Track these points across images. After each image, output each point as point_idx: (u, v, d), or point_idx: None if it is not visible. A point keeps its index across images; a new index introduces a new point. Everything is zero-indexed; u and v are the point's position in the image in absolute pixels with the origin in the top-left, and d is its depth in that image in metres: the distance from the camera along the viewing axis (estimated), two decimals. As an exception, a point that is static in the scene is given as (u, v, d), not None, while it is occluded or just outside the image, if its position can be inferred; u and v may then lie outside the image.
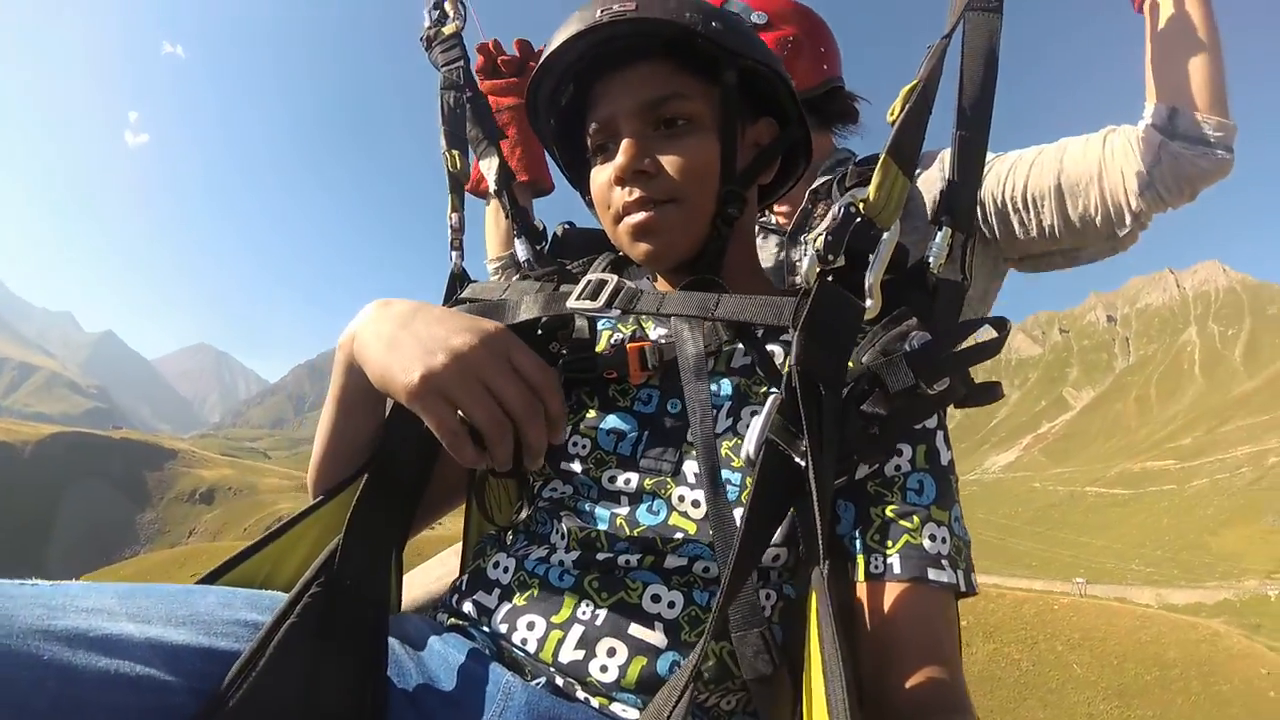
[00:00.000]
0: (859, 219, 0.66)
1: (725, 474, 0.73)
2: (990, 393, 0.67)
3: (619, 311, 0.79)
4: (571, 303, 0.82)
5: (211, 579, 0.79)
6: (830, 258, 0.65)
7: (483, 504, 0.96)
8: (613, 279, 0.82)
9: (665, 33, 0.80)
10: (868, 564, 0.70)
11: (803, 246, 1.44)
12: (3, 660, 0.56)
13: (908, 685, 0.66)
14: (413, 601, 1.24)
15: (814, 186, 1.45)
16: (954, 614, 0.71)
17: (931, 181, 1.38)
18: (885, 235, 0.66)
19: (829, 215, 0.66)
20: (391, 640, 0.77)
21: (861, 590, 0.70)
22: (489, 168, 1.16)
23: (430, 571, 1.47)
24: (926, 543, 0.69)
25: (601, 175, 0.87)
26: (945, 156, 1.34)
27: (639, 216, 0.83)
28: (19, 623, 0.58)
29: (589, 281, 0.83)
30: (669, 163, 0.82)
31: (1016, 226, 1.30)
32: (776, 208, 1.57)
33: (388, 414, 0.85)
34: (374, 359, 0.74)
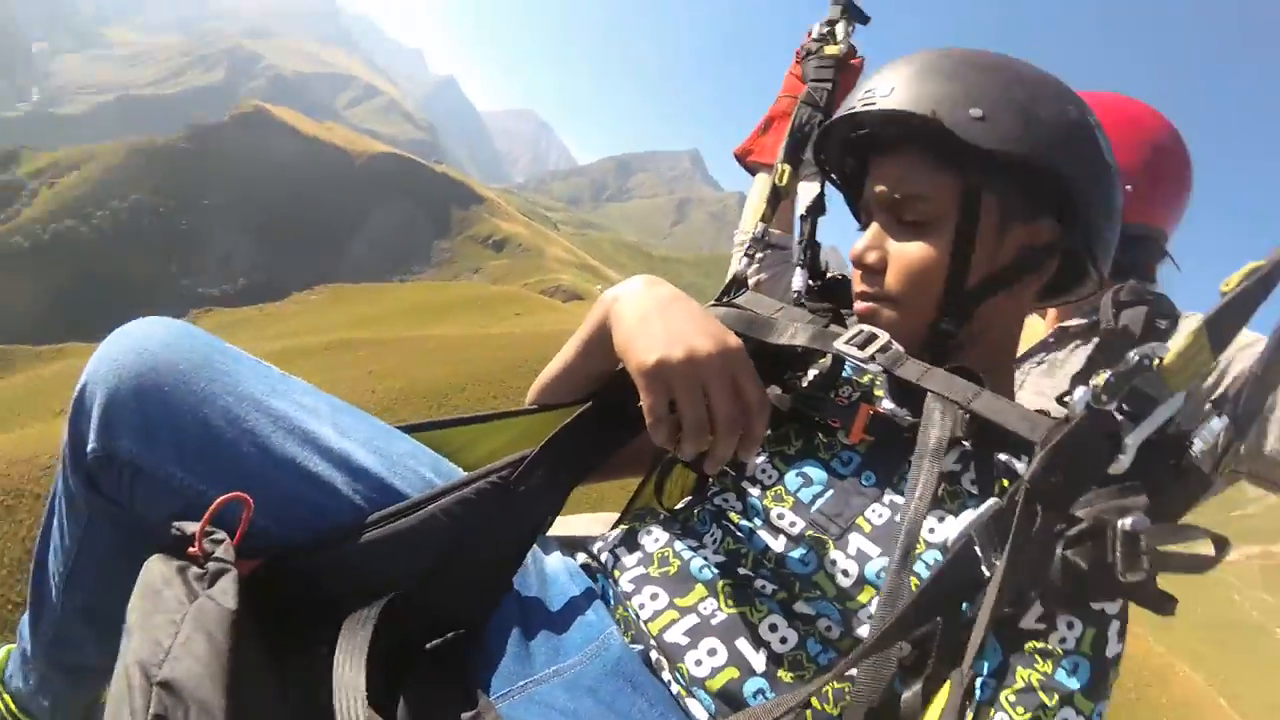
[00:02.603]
0: (1149, 374, 0.63)
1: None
2: (1164, 605, 0.62)
3: (880, 368, 0.78)
4: (839, 345, 0.81)
5: (412, 430, 0.86)
6: (1104, 399, 0.62)
7: (661, 483, 1.00)
8: (884, 336, 0.81)
9: (912, 123, 0.78)
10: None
11: (1029, 368, 1.42)
12: (220, 414, 0.68)
13: None
14: (563, 534, 1.28)
15: (1067, 325, 1.43)
16: None
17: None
18: (1170, 400, 0.63)
19: (1123, 360, 0.63)
20: (530, 554, 0.83)
21: None
22: (807, 192, 1.15)
23: (592, 522, 1.48)
24: None
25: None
26: (1242, 342, 1.19)
27: (862, 305, 0.87)
28: (243, 387, 0.70)
29: (860, 331, 0.83)
30: (895, 261, 0.83)
31: (1272, 441, 1.10)
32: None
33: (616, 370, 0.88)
34: (623, 328, 0.78)
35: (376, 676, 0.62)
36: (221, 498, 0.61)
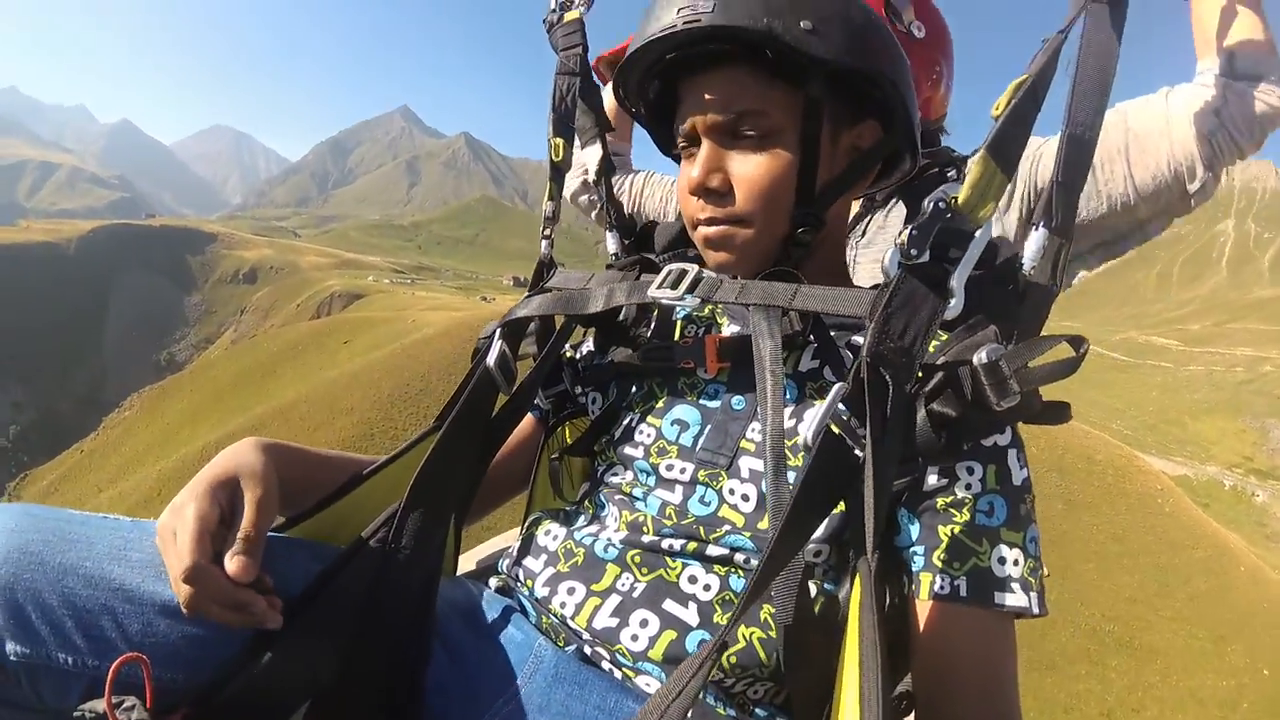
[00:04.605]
0: (949, 215, 0.64)
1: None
2: (1059, 414, 0.65)
3: (699, 300, 0.78)
4: (652, 291, 0.81)
5: (285, 528, 0.82)
6: (914, 253, 0.63)
7: (557, 483, 1.01)
8: (693, 268, 0.81)
9: (744, 38, 0.76)
10: (933, 583, 0.69)
11: (854, 249, 1.46)
12: (83, 582, 0.65)
13: (966, 711, 0.68)
14: (476, 564, 1.25)
15: (871, 192, 1.47)
16: (1014, 637, 0.71)
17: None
18: (977, 234, 0.64)
19: (921, 210, 0.65)
20: (440, 601, 0.80)
21: (924, 609, 0.69)
22: (591, 157, 1.16)
23: (499, 543, 1.49)
24: (995, 566, 0.68)
25: (682, 178, 0.87)
26: (1044, 152, 1.27)
27: (709, 230, 0.84)
28: (98, 548, 0.67)
29: (670, 271, 0.82)
30: (740, 181, 0.81)
31: (1083, 205, 1.21)
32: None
33: (447, 426, 0.84)
34: None
35: None
36: (113, 667, 0.60)
